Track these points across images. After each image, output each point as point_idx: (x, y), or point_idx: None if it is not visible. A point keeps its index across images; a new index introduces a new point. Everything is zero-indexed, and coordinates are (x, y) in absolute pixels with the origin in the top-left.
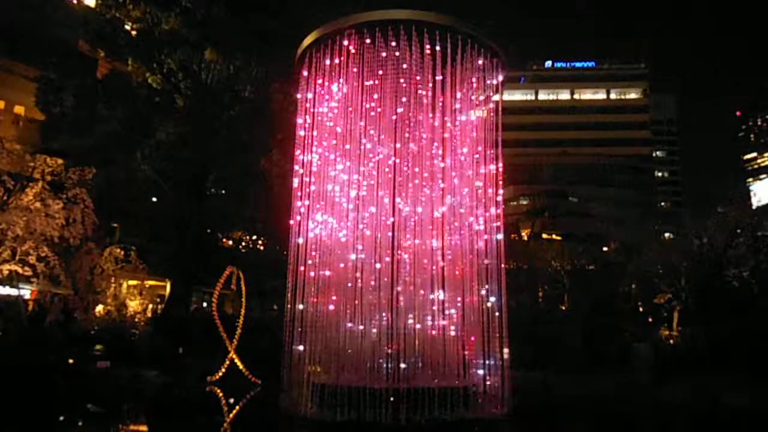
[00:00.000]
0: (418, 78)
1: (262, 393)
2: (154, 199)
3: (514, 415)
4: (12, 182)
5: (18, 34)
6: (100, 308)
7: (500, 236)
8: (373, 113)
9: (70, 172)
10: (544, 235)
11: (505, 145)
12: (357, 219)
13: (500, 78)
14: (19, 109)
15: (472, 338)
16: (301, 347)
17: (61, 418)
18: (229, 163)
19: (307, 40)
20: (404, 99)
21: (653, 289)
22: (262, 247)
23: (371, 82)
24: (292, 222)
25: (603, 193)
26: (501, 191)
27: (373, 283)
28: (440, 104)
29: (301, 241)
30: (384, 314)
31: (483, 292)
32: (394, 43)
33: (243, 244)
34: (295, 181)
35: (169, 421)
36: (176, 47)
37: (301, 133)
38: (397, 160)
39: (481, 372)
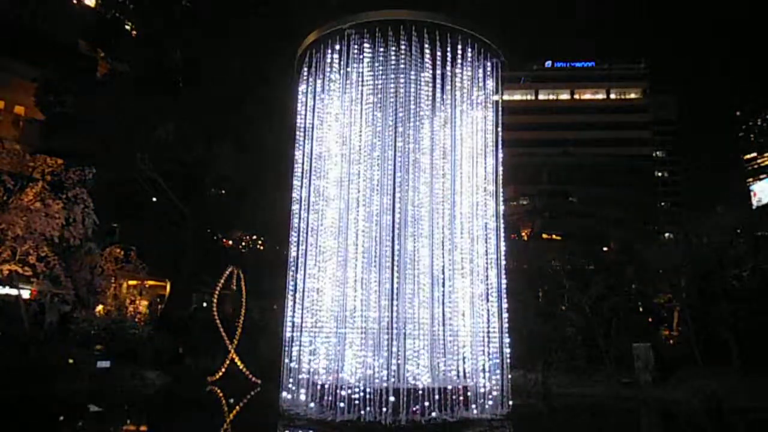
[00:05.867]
0: (413, 76)
1: (262, 393)
2: (154, 199)
3: (514, 415)
4: (12, 182)
5: (18, 34)
6: (100, 308)
7: (501, 236)
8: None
9: (70, 172)
10: (544, 235)
11: (505, 145)
12: (357, 214)
13: (501, 78)
14: (19, 109)
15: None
16: (300, 347)
17: (61, 418)
18: (229, 164)
19: (307, 40)
20: (402, 102)
21: (653, 289)
22: (261, 247)
23: (371, 83)
24: (292, 222)
25: (603, 193)
26: (501, 190)
27: (372, 284)
28: (441, 105)
29: (301, 241)
30: (384, 313)
31: (483, 292)
32: (394, 43)
33: (243, 244)
34: (296, 182)
35: (169, 421)
36: (176, 47)
37: (301, 133)
38: (399, 174)
39: (481, 372)
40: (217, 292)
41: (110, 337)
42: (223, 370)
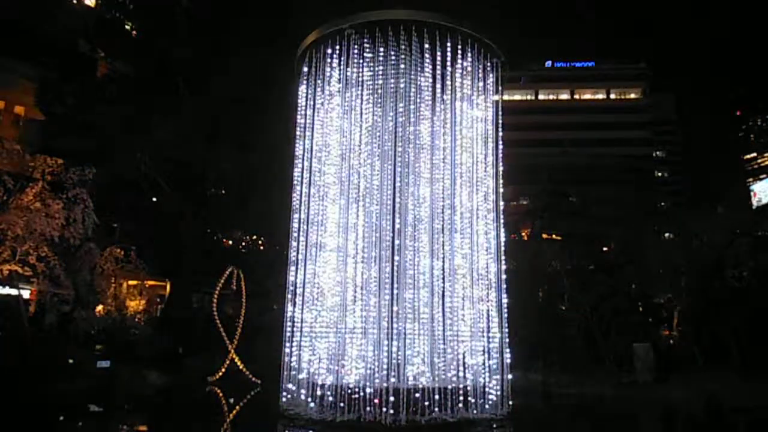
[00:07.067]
0: (413, 77)
1: (262, 393)
2: (154, 199)
3: (514, 415)
4: (12, 182)
5: (18, 33)
6: (100, 308)
7: (501, 236)
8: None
9: (70, 172)
10: (544, 235)
11: (505, 145)
12: (357, 214)
13: (500, 78)
14: (19, 109)
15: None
16: (301, 347)
17: (61, 418)
18: (229, 163)
19: (307, 40)
20: (402, 106)
21: (653, 289)
22: (262, 247)
23: (371, 83)
24: (292, 222)
25: (603, 193)
26: (501, 190)
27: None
28: (441, 105)
29: (301, 241)
30: (384, 315)
31: (483, 292)
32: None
33: (243, 244)
34: (296, 182)
35: (169, 421)
36: (176, 47)
37: (301, 133)
38: (399, 175)
39: (481, 372)
40: (217, 292)
41: (110, 337)
42: (223, 370)
